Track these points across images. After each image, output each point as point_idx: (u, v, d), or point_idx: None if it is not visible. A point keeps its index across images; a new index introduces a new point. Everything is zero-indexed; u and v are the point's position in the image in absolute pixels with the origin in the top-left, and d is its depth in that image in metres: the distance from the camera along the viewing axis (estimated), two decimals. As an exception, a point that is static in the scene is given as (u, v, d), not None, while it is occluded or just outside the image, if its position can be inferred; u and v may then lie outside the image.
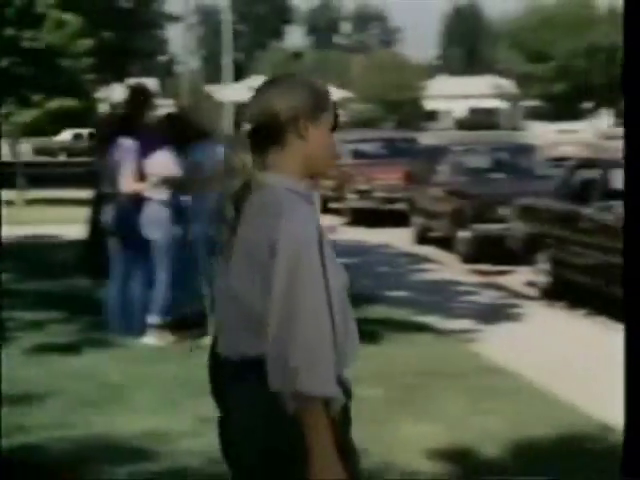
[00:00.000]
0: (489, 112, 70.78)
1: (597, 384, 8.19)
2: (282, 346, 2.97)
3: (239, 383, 3.12)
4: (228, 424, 3.22)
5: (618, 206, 11.58)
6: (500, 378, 8.43)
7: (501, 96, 69.70)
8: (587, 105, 66.93)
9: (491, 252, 15.76)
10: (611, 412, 7.07)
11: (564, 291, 12.84)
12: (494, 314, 11.47)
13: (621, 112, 74.23)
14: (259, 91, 3.21)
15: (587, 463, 6.41)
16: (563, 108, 63.34)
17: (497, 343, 9.91)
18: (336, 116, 3.27)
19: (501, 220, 15.44)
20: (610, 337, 10.49)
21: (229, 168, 3.20)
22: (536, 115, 59.66)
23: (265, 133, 3.13)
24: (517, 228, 14.30)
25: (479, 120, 67.11)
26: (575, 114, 61.45)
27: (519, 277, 14.40)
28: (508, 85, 67.78)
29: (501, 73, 68.07)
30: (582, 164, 13.96)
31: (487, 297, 12.81)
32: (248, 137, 3.14)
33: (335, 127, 3.26)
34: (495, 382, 8.23)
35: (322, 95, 3.22)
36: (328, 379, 3.00)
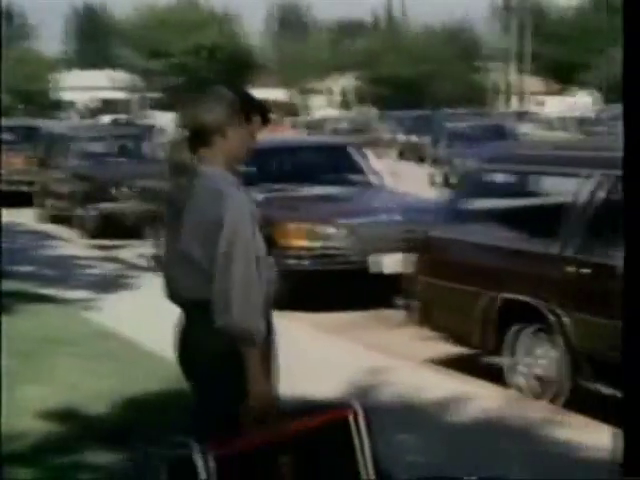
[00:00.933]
0: (115, 103, 70.17)
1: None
2: (222, 293, 3.61)
3: (194, 316, 3.80)
4: (187, 344, 3.89)
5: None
6: (113, 342, 8.32)
7: (126, 88, 69.45)
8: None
9: (111, 228, 15.66)
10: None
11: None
12: (111, 284, 11.35)
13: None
14: (191, 103, 3.83)
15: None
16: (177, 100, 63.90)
17: (112, 310, 9.79)
18: (265, 114, 3.97)
19: (119, 199, 15.44)
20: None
21: (175, 162, 3.79)
22: (159, 105, 59.88)
23: (197, 137, 3.76)
24: (134, 206, 14.28)
25: (106, 110, 66.41)
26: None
27: (135, 250, 14.35)
28: (132, 79, 67.77)
29: (125, 68, 67.98)
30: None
31: (105, 269, 12.70)
32: (187, 139, 3.77)
33: (266, 122, 3.98)
34: (108, 346, 8.14)
35: (235, 104, 3.80)
36: (255, 317, 3.68)
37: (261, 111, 3.96)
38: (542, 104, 68.48)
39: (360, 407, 3.97)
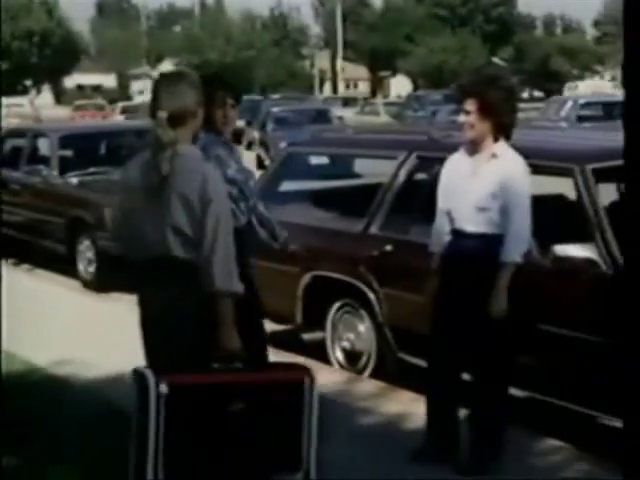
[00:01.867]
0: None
1: (21, 325, 8.08)
2: (208, 262, 4.09)
3: (167, 272, 4.22)
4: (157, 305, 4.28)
5: (43, 169, 11.54)
6: None
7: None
8: (27, 82, 66.57)
9: None
10: (35, 351, 7.01)
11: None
12: None
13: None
14: (168, 87, 4.27)
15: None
16: (7, 84, 62.76)
17: None
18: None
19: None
20: (34, 282, 10.45)
21: (160, 141, 4.18)
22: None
23: (175, 118, 4.18)
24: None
25: None
26: (17, 90, 61.01)
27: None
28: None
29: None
30: (13, 133, 13.77)
31: None
32: (167, 120, 4.16)
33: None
34: None
35: (201, 88, 4.33)
36: (235, 281, 4.14)
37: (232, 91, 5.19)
38: (361, 88, 69.18)
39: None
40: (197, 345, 4.20)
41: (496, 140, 5.14)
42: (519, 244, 5.05)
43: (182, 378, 4.10)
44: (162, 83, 4.32)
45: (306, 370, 4.36)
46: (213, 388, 4.13)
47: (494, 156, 5.12)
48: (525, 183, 5.10)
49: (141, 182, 4.30)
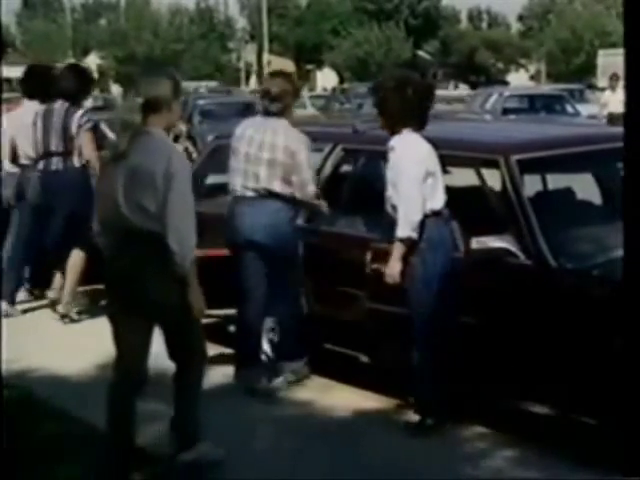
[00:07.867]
0: None
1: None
2: (176, 232, 4.54)
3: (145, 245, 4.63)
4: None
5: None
6: None
7: None
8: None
9: None
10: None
11: None
12: None
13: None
14: (144, 77, 4.78)
15: None
16: None
17: None
18: None
19: None
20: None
21: (126, 121, 4.70)
22: None
23: (149, 105, 4.65)
24: None
25: None
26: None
27: None
28: None
29: None
30: None
31: None
32: (140, 106, 4.65)
33: None
34: None
35: (179, 81, 4.82)
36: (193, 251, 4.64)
37: None
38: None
39: None
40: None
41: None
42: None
43: None
44: (143, 73, 4.89)
45: None
46: None
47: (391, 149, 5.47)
48: (401, 168, 5.35)
49: (109, 159, 4.82)
